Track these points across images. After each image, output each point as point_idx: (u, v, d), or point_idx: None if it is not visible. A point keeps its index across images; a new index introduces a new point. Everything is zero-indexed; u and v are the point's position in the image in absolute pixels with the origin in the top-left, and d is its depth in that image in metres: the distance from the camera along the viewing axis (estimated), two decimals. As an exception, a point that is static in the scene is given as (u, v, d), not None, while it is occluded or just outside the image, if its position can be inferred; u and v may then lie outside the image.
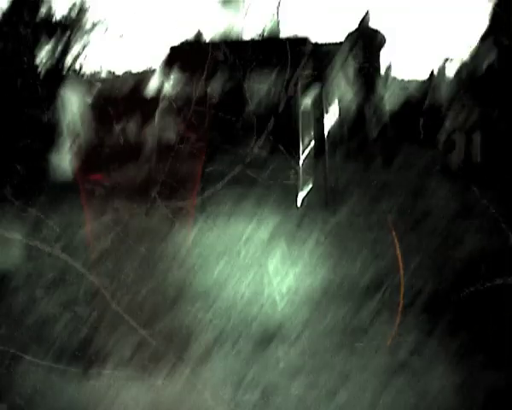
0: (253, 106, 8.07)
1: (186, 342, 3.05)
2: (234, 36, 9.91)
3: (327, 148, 7.65)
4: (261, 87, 8.43)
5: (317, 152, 6.74)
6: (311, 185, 6.16)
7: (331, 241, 4.66)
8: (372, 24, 8.45)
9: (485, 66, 12.74)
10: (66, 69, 11.21)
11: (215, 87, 8.63)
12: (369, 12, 8.35)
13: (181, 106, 8.57)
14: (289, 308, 3.34)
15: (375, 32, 8.36)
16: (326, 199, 5.98)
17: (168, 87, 9.28)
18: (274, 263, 4.06)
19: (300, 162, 6.40)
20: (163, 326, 3.13)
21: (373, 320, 3.09)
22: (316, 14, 11.19)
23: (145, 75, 9.93)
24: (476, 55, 13.35)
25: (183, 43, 9.57)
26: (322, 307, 3.34)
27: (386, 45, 8.47)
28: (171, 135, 8.79)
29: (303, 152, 6.49)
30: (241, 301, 3.46)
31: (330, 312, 3.25)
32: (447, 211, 5.99)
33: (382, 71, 8.62)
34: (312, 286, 3.61)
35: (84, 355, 3.07)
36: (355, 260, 4.14)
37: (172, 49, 9.19)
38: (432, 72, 12.66)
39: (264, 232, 4.82)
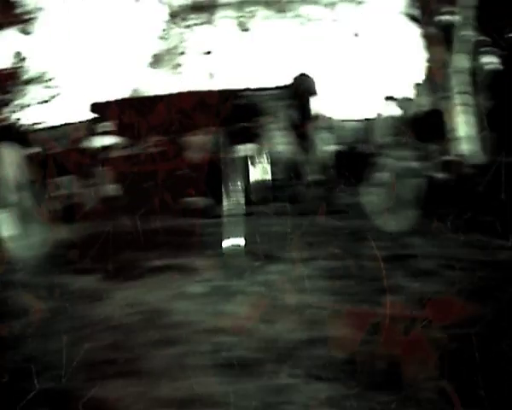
0: (188, 156, 8.11)
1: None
2: (168, 91, 10.00)
3: (261, 195, 7.71)
4: (196, 139, 8.47)
5: (246, 200, 6.73)
6: (239, 232, 6.14)
7: (261, 292, 4.65)
8: (305, 70, 8.55)
9: (425, 106, 13.10)
10: (3, 122, 11.07)
11: (153, 141, 8.65)
12: (301, 59, 8.44)
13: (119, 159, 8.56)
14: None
15: (307, 77, 8.43)
16: (256, 246, 5.95)
17: (109, 141, 9.26)
18: (201, 321, 4.03)
19: (224, 210, 6.38)
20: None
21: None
22: (249, 64, 11.42)
23: (84, 127, 9.87)
24: (417, 95, 13.74)
25: (120, 99, 9.59)
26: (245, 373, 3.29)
27: (322, 89, 8.57)
28: (111, 188, 8.74)
29: (228, 200, 6.47)
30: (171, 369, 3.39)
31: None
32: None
33: (319, 115, 8.68)
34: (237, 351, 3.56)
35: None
36: (283, 316, 4.11)
37: (102, 104, 9.23)
38: (371, 112, 12.93)
39: (193, 287, 4.81)
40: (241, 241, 5.92)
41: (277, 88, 8.80)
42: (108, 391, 3.16)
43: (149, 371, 3.42)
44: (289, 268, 5.34)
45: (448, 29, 11.32)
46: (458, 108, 10.64)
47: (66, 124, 10.69)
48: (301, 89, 8.22)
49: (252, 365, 3.40)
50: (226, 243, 5.92)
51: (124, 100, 9.41)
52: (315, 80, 8.39)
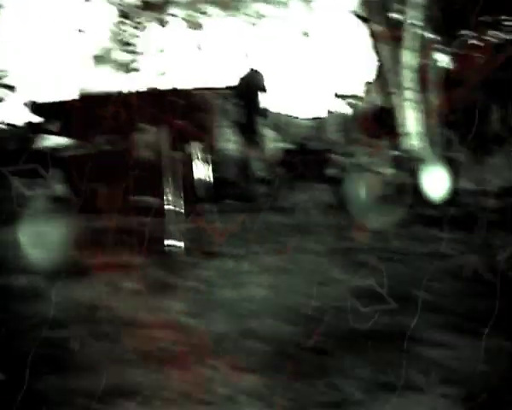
0: (136, 155, 8.06)
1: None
2: (117, 89, 9.97)
3: (207, 193, 7.72)
4: (144, 137, 8.41)
5: (192, 198, 6.68)
6: (181, 230, 6.14)
7: (204, 289, 4.70)
8: (254, 66, 8.49)
9: (376, 103, 13.25)
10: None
11: (100, 141, 8.58)
12: (249, 56, 8.39)
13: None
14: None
15: (256, 73, 8.36)
16: (200, 243, 5.98)
17: (56, 141, 9.19)
18: (133, 316, 4.06)
19: (168, 208, 6.36)
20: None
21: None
22: (200, 62, 11.48)
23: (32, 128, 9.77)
24: (367, 93, 13.90)
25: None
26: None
27: (273, 87, 8.55)
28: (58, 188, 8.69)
29: (174, 199, 6.44)
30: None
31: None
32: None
33: (268, 112, 8.65)
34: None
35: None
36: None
37: (49, 104, 9.16)
38: (322, 110, 13.02)
39: (130, 283, 4.84)
40: (182, 238, 5.92)
41: (227, 87, 8.82)
42: (41, 385, 3.17)
43: (79, 365, 3.44)
44: (229, 264, 5.39)
45: (397, 27, 11.47)
46: (407, 105, 10.79)
47: (15, 124, 10.58)
48: (250, 85, 8.22)
49: (179, 357, 3.44)
50: (168, 241, 5.93)
51: (71, 99, 9.33)
52: (264, 76, 8.35)
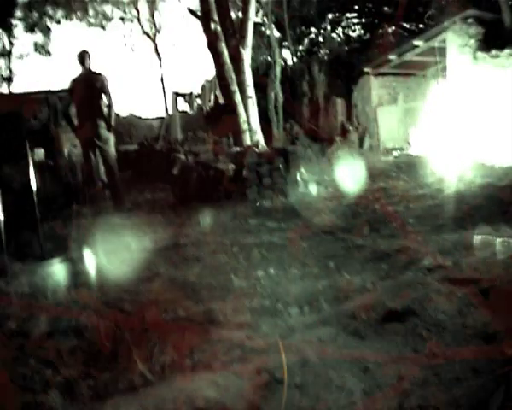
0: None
1: None
2: None
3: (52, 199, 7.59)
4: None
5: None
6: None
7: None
8: (93, 67, 8.22)
9: (216, 101, 13.54)
10: None
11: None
12: (88, 55, 8.13)
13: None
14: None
15: (96, 74, 8.12)
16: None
17: None
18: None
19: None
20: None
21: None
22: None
23: None
24: (207, 91, 14.18)
25: None
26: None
27: (111, 85, 8.33)
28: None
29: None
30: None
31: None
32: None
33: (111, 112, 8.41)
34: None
35: None
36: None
37: None
38: (167, 109, 13.18)
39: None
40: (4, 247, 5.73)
41: (62, 90, 8.69)
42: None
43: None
44: (56, 267, 5.41)
45: (237, 25, 11.79)
46: (249, 102, 11.13)
47: None
48: (86, 87, 8.06)
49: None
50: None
51: None
52: (104, 77, 8.13)
